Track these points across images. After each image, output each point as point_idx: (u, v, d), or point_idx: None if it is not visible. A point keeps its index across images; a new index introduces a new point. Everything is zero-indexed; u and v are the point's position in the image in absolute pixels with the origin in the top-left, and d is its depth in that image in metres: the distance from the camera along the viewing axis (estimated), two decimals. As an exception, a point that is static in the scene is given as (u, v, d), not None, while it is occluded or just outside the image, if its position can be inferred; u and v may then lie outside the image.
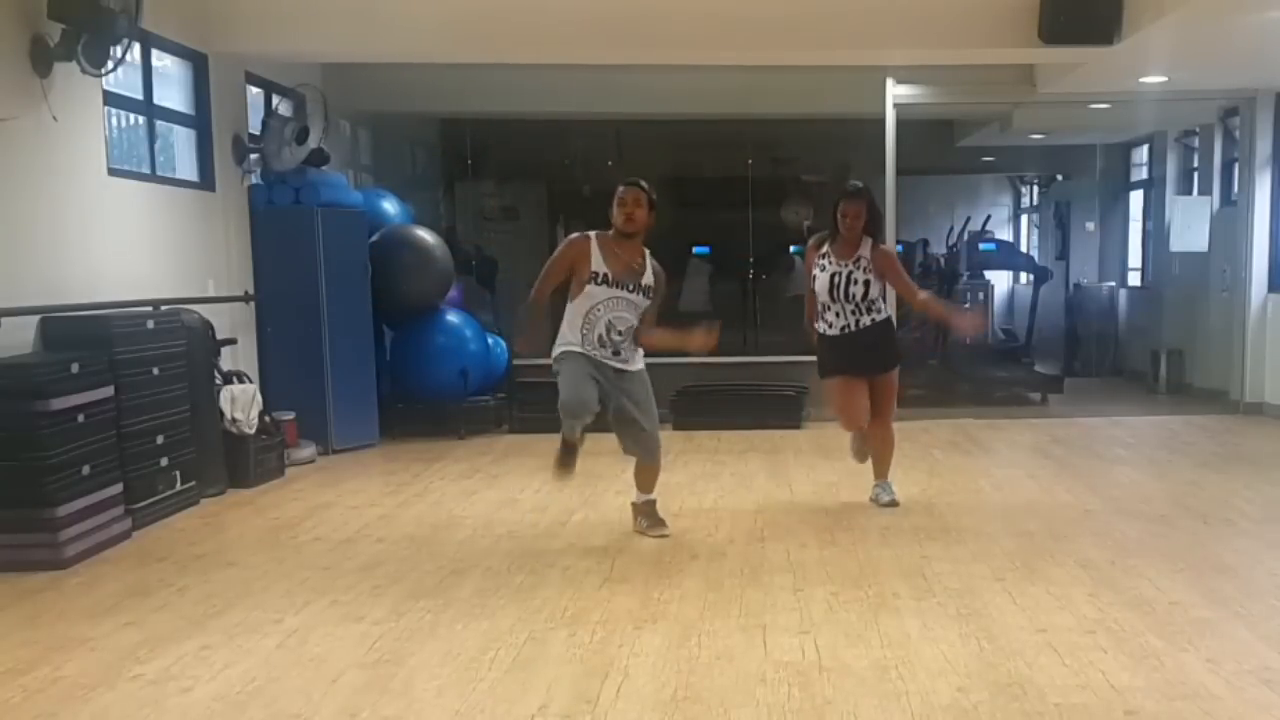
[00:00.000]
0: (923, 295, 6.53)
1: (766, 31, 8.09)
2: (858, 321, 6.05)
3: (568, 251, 5.49)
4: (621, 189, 5.51)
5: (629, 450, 5.72)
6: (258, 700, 3.67)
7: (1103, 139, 13.61)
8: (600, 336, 5.41)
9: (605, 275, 5.40)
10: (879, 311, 6.11)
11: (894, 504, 6.22)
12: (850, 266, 6.01)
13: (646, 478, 5.82)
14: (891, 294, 6.30)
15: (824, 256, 6.09)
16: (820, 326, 6.17)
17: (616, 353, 5.45)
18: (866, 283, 6.00)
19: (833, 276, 6.03)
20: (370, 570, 5.20)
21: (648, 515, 5.82)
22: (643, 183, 5.53)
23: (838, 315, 6.07)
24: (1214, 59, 8.43)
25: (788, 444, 8.61)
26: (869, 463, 6.42)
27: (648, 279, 5.51)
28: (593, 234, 5.49)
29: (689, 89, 9.90)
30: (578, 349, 5.41)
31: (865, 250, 6.02)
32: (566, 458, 5.47)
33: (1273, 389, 9.80)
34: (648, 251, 5.56)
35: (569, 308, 5.48)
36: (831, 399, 6.36)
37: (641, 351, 5.59)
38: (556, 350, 5.49)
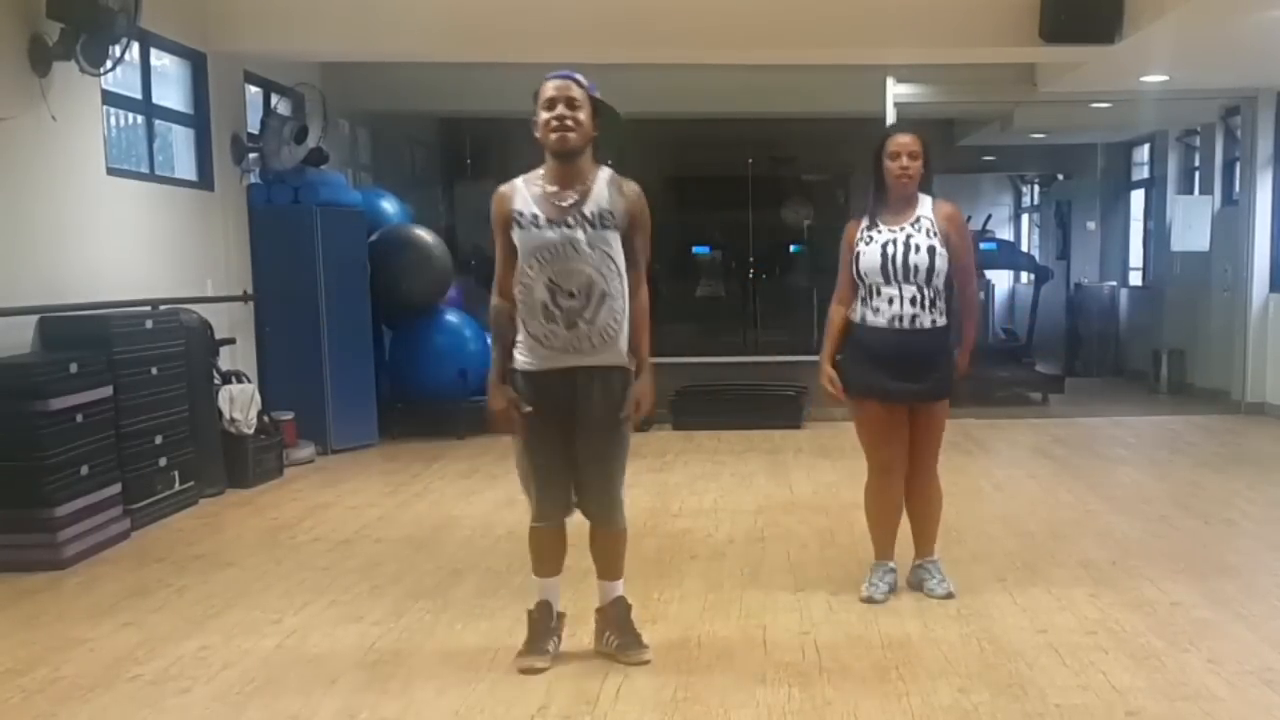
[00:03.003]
0: (968, 296, 4.74)
1: (766, 31, 8.08)
2: (915, 317, 4.38)
3: (496, 209, 3.82)
4: (550, 83, 3.72)
5: (578, 504, 3.90)
6: (257, 701, 3.66)
7: (1104, 138, 13.60)
8: (544, 306, 3.68)
9: (534, 217, 3.70)
10: (941, 312, 4.44)
11: (950, 595, 4.57)
12: (909, 229, 4.41)
13: (605, 555, 3.96)
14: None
15: (870, 229, 4.48)
16: (858, 313, 4.50)
17: (572, 325, 3.67)
18: (931, 249, 4.36)
19: (884, 246, 4.39)
20: (369, 570, 5.19)
21: (617, 625, 3.96)
22: (579, 75, 3.79)
23: (890, 301, 4.40)
24: (1215, 58, 8.42)
25: (788, 444, 8.60)
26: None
27: (602, 202, 3.70)
28: (519, 177, 3.84)
29: (689, 88, 9.89)
30: (526, 363, 3.79)
31: (925, 209, 4.46)
32: (533, 635, 3.91)
33: (1274, 389, 9.78)
34: (605, 170, 3.81)
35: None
36: (864, 426, 4.60)
37: (623, 334, 3.77)
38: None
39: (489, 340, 3.87)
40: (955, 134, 13.37)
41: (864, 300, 4.47)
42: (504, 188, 3.82)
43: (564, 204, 3.70)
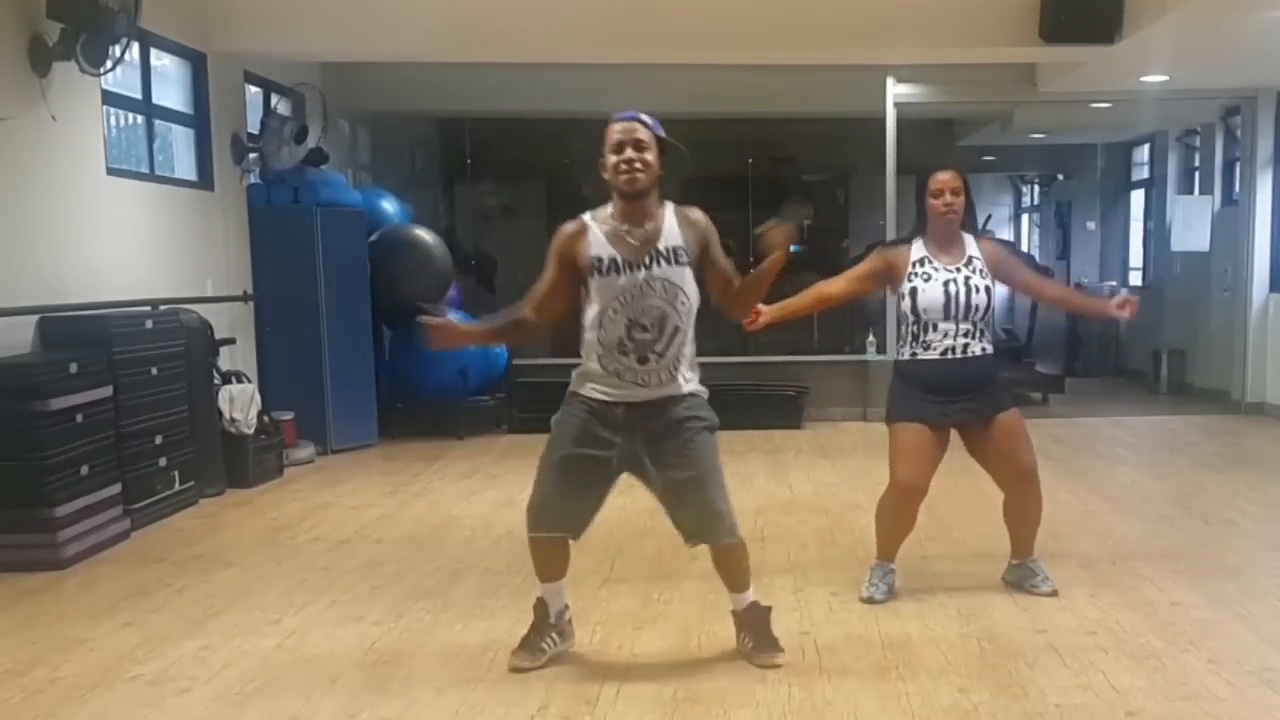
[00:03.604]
0: (1055, 289, 5.10)
1: (766, 31, 8.08)
2: (966, 346, 4.52)
3: (560, 244, 3.83)
4: (614, 124, 3.77)
5: (689, 536, 3.96)
6: (257, 701, 3.66)
7: (1104, 138, 13.60)
8: (620, 341, 3.75)
9: (613, 261, 3.74)
10: (989, 341, 4.64)
11: (1055, 593, 4.65)
12: (965, 270, 4.50)
13: (729, 567, 4.00)
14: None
15: (923, 265, 4.51)
16: (905, 351, 4.60)
17: (644, 360, 3.75)
18: (987, 289, 4.52)
19: (946, 286, 4.46)
20: (369, 570, 5.19)
21: (752, 629, 4.00)
22: (644, 116, 3.80)
23: (945, 335, 4.50)
24: (1215, 58, 8.42)
25: (788, 444, 8.60)
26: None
27: (673, 238, 3.76)
28: (587, 214, 3.87)
29: (689, 89, 9.88)
30: (594, 390, 3.82)
31: (974, 249, 4.56)
32: (532, 632, 3.95)
33: (1274, 389, 9.78)
34: (670, 205, 3.85)
35: (587, 334, 3.85)
36: (899, 445, 4.58)
37: (692, 367, 3.87)
38: (571, 386, 3.92)
39: (485, 320, 3.96)
40: (955, 134, 13.36)
41: (914, 338, 4.54)
42: (573, 226, 3.84)
43: (638, 242, 3.76)
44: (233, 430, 7.14)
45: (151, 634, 4.32)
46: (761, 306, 4.40)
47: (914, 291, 4.49)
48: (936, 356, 4.49)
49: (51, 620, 4.55)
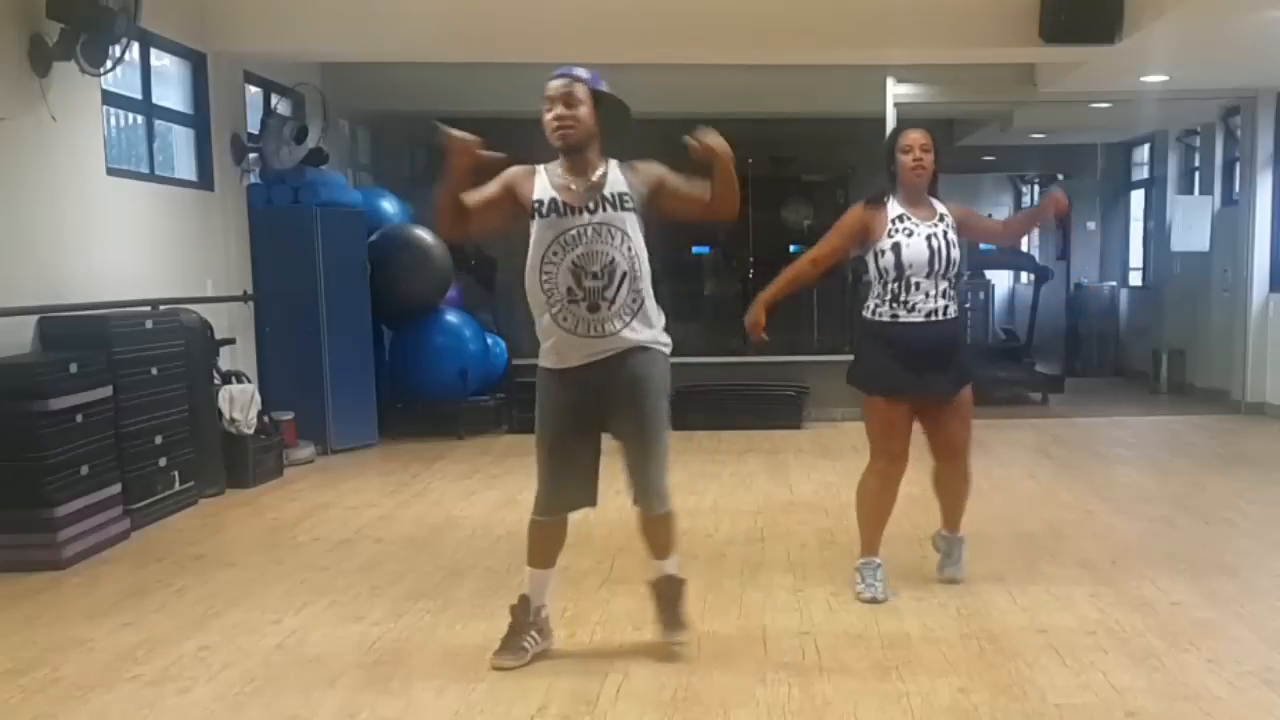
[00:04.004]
0: (1007, 223, 5.39)
1: (766, 31, 8.08)
2: (946, 308, 4.45)
3: (509, 174, 3.86)
4: (552, 83, 3.81)
5: (631, 494, 4.01)
6: (256, 701, 3.66)
7: (1104, 138, 13.60)
8: (569, 290, 3.72)
9: (554, 203, 3.76)
10: (958, 303, 4.56)
11: (955, 581, 4.81)
12: (940, 225, 4.47)
13: (654, 534, 4.02)
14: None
15: (902, 221, 4.46)
16: (884, 311, 4.49)
17: (595, 307, 3.72)
18: (960, 247, 4.49)
19: (929, 240, 4.42)
20: (369, 571, 5.19)
21: (664, 601, 4.05)
22: (579, 71, 3.82)
23: (927, 296, 4.43)
24: (1215, 58, 8.42)
25: (788, 444, 8.60)
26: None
27: (619, 185, 3.80)
28: (540, 165, 3.90)
29: (689, 89, 9.88)
30: (555, 359, 3.84)
31: (943, 208, 4.54)
32: (510, 630, 3.94)
33: (1274, 389, 9.78)
34: (613, 161, 3.88)
35: (527, 282, 3.82)
36: (879, 419, 4.61)
37: (650, 319, 3.87)
38: (539, 360, 3.91)
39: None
40: (955, 134, 13.35)
41: (894, 297, 4.46)
42: (524, 168, 3.87)
43: (581, 190, 3.78)
44: (233, 430, 7.14)
45: (151, 634, 4.32)
46: (761, 318, 4.56)
47: (897, 247, 4.42)
48: (921, 319, 4.42)
49: (51, 620, 4.55)
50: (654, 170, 3.90)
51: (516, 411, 9.30)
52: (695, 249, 13.57)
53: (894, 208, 4.50)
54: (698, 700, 3.59)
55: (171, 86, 7.71)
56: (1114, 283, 13.78)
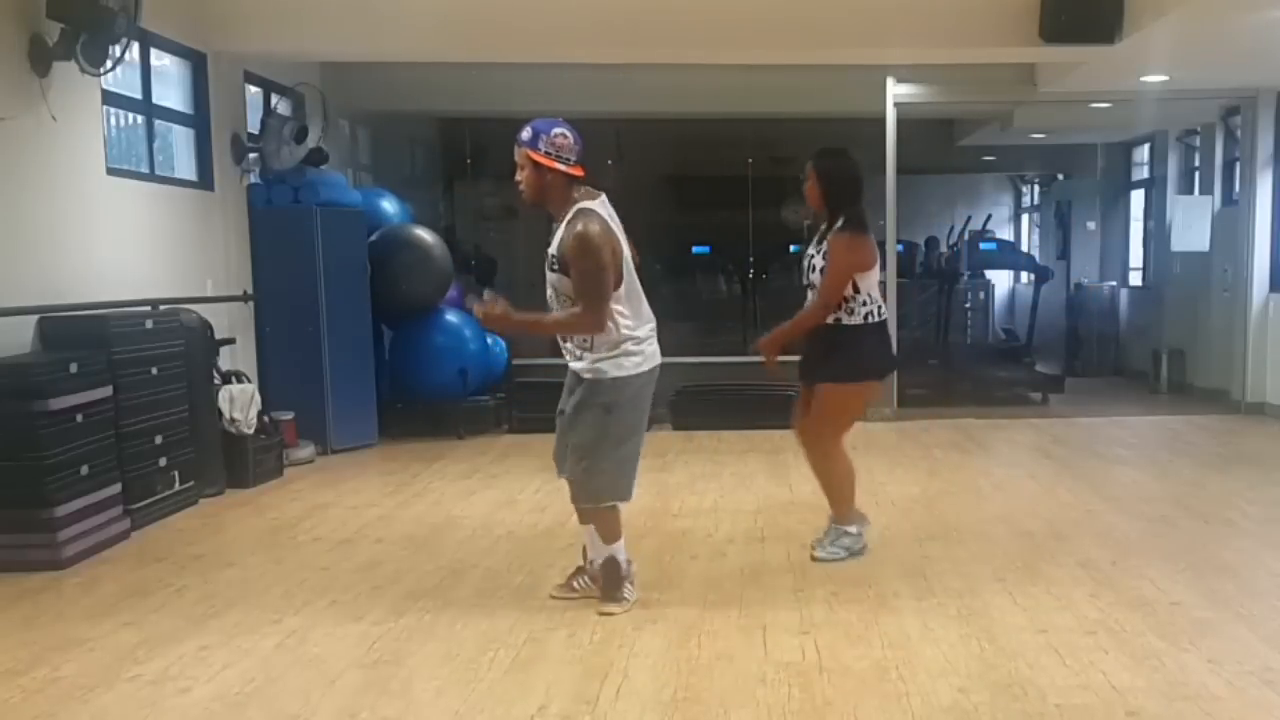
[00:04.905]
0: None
1: (767, 31, 8.09)
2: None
3: None
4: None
5: None
6: (256, 701, 3.66)
7: (1104, 138, 13.60)
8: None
9: (547, 257, 4.40)
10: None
11: (815, 559, 5.21)
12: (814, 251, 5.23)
13: (587, 522, 4.61)
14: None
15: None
16: (861, 314, 5.08)
17: (564, 340, 4.48)
18: (823, 271, 5.08)
19: (802, 259, 5.38)
20: (369, 570, 5.19)
21: (603, 578, 4.59)
22: (524, 133, 4.30)
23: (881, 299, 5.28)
24: (1215, 58, 8.42)
25: (788, 444, 8.52)
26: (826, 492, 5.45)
27: (557, 246, 4.30)
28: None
29: (689, 89, 9.89)
30: (648, 367, 4.50)
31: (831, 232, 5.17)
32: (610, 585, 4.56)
33: (1274, 389, 9.78)
34: (576, 208, 4.30)
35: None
36: (856, 404, 5.38)
37: (595, 350, 4.36)
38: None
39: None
40: (955, 134, 13.37)
41: (867, 300, 5.09)
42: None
43: (550, 244, 4.36)
44: (233, 430, 7.14)
45: (151, 634, 4.32)
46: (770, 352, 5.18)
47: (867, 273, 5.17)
48: (881, 319, 5.20)
49: (51, 620, 4.55)
50: (571, 251, 4.25)
51: (516, 411, 9.31)
52: (695, 249, 13.59)
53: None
54: (698, 700, 3.59)
55: (171, 86, 7.71)
56: (1114, 283, 13.78)
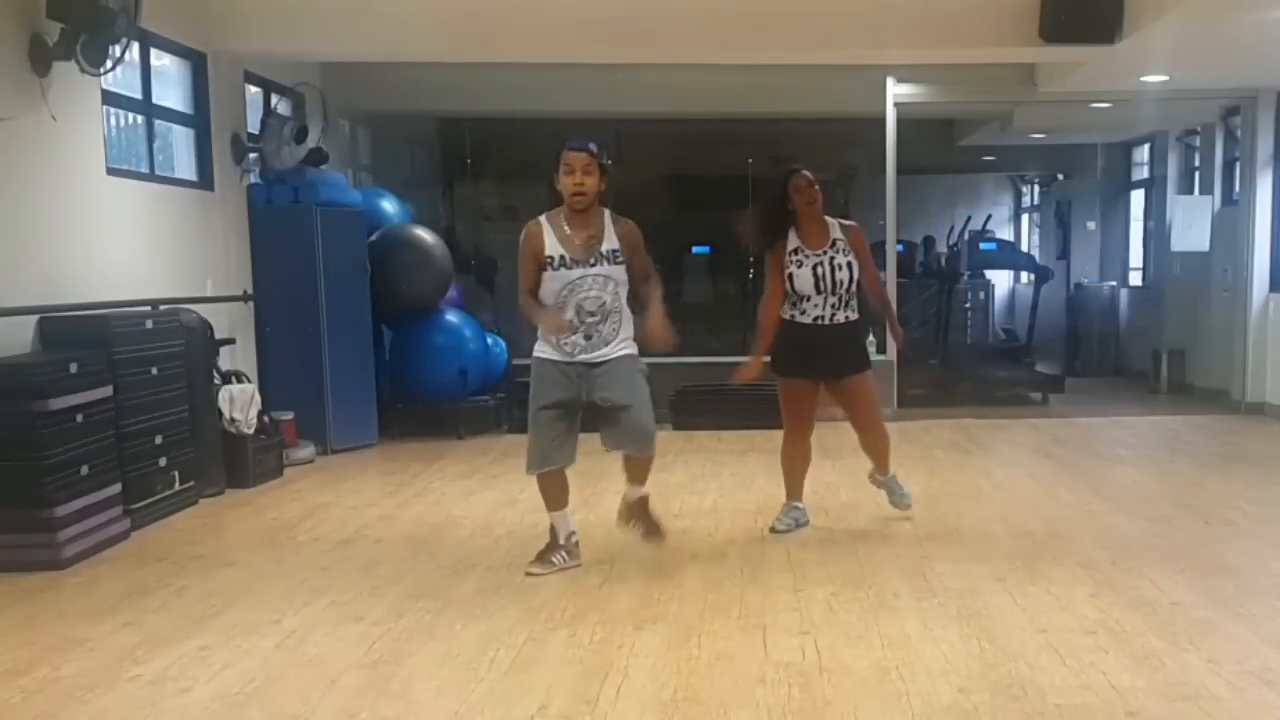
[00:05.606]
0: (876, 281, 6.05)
1: (766, 31, 8.09)
2: (833, 316, 5.58)
3: (526, 246, 4.89)
4: (568, 152, 4.86)
5: (612, 444, 5.01)
6: (256, 701, 3.66)
7: (1104, 138, 13.60)
8: (570, 323, 4.84)
9: (562, 258, 4.82)
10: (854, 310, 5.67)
11: (909, 506, 5.95)
12: (831, 252, 5.55)
13: (639, 469, 5.11)
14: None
15: (796, 252, 5.55)
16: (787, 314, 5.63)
17: (589, 336, 4.84)
18: (850, 265, 5.53)
19: (815, 268, 5.52)
20: (369, 570, 5.19)
21: (641, 516, 5.21)
22: (593, 145, 4.90)
23: (815, 305, 5.57)
24: (1215, 58, 8.42)
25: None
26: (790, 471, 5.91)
27: (610, 243, 4.86)
28: (543, 216, 4.93)
29: (689, 88, 9.89)
30: (550, 354, 4.90)
31: (836, 230, 5.61)
32: (546, 549, 5.08)
33: (1274, 389, 9.78)
34: (607, 212, 4.94)
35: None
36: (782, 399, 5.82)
37: (628, 334, 4.94)
38: (535, 352, 5.01)
39: (527, 317, 5.00)
40: (955, 134, 13.37)
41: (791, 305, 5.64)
42: (533, 225, 4.91)
43: (581, 244, 4.83)
44: (233, 430, 7.14)
45: (151, 634, 4.32)
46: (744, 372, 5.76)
47: (791, 277, 5.61)
48: (810, 322, 5.62)
49: (51, 620, 4.55)
50: (633, 237, 4.96)
51: (516, 411, 9.29)
52: (695, 249, 13.58)
53: (792, 239, 5.57)
54: (698, 700, 3.59)
55: (171, 86, 7.71)
56: (1114, 283, 13.78)
